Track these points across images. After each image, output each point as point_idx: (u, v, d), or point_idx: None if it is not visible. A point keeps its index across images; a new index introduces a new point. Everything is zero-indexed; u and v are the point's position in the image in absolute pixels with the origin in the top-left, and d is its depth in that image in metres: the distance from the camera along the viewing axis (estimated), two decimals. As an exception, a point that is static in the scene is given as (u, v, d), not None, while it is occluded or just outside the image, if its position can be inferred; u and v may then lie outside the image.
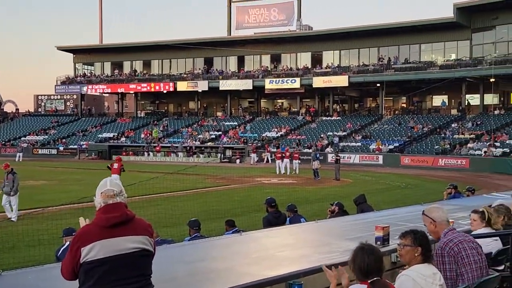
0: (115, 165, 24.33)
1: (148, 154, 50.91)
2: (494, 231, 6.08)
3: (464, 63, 45.81)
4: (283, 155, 35.98)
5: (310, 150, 42.81)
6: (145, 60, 63.51)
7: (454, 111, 49.22)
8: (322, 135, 48.27)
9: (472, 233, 5.96)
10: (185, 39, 58.47)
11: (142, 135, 55.69)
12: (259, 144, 47.47)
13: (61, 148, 55.10)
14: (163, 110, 65.19)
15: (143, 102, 67.18)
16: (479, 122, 44.25)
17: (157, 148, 50.90)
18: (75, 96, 68.19)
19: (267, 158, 44.38)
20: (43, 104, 72.59)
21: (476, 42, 46.93)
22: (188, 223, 9.43)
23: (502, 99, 49.21)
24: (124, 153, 52.06)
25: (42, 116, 67.68)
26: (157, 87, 58.85)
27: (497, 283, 4.84)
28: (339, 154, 34.18)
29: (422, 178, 31.61)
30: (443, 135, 43.80)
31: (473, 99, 48.38)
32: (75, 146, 54.76)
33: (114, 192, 3.67)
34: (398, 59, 49.97)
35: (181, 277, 4.85)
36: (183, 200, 20.29)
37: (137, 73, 62.21)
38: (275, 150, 42.63)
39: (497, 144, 39.17)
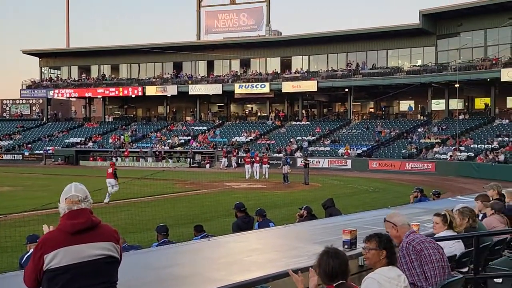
0: (109, 170, 24.33)
1: (116, 159, 50.31)
2: (455, 233, 6.19)
3: (429, 69, 46.60)
4: (253, 159, 36.03)
5: (280, 155, 42.96)
6: (113, 65, 62.84)
7: (420, 116, 50.01)
8: (291, 140, 48.50)
9: (435, 235, 6.06)
10: (154, 43, 58.08)
11: (110, 140, 55.04)
12: (229, 149, 47.46)
13: (27, 154, 54.08)
14: (132, 115, 64.56)
15: (111, 107, 66.36)
16: (444, 127, 45.04)
17: (126, 153, 50.41)
18: (41, 101, 67.01)
19: (232, 162, 44.43)
20: (8, 108, 71.11)
21: (441, 48, 47.83)
22: (156, 229, 9.37)
23: (466, 104, 50.21)
24: (91, 159, 51.46)
25: (7, 120, 66.29)
26: (125, 92, 58.28)
27: (461, 284, 4.94)
28: (308, 159, 34.38)
29: (390, 182, 32.00)
30: (410, 139, 44.45)
31: (439, 104, 49.25)
32: (41, 152, 53.78)
33: (79, 198, 3.62)
34: (366, 64, 50.58)
35: (148, 284, 4.81)
36: (151, 206, 20.13)
37: (105, 78, 61.51)
38: (244, 154, 42.65)
39: (462, 148, 39.94)
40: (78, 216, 3.56)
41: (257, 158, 36.20)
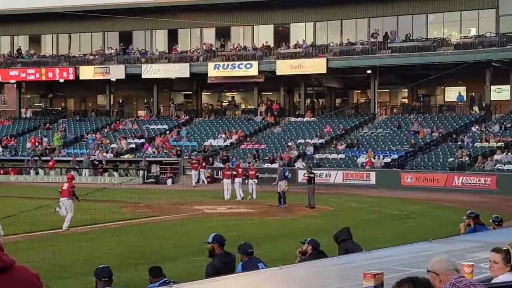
0: (65, 186, 24.47)
1: (37, 172, 49.98)
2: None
3: (488, 42, 46.84)
4: (234, 172, 36.05)
5: (274, 165, 42.94)
6: (33, 35, 62.50)
7: (475, 109, 50.20)
8: (290, 144, 48.50)
9: (493, 280, 6.08)
10: (91, 4, 57.81)
11: (28, 145, 54.75)
12: (199, 156, 47.37)
13: None
14: (59, 108, 64.22)
15: (29, 96, 65.93)
16: (509, 125, 45.33)
17: (50, 164, 50.06)
18: None
19: (201, 176, 44.23)
20: None
21: (505, 12, 48.05)
22: (94, 273, 9.35)
23: (541, 92, 50.48)
24: (2, 171, 51.09)
25: None
26: (50, 74, 57.95)
27: None
28: (314, 171, 34.40)
29: (431, 204, 32.13)
30: (460, 143, 44.68)
31: (501, 92, 49.46)
32: None
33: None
34: (397, 35, 50.71)
35: None
36: (87, 239, 20.06)
37: (20, 54, 61.21)
38: (221, 165, 42.59)
39: (535, 155, 40.19)
40: (-18, 254, 3.56)
41: (240, 170, 36.16)
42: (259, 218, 26.70)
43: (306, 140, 48.81)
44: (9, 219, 21.34)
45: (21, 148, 54.87)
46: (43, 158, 51.69)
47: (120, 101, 61.61)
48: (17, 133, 58.18)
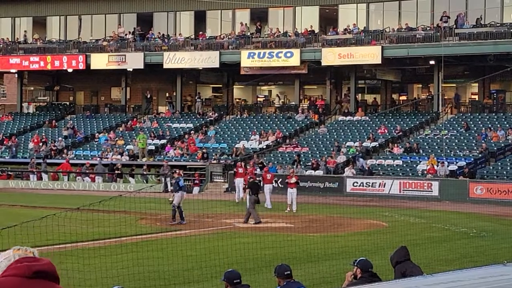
0: (268, 175, 27.16)
1: (40, 177, 50.30)
2: None
3: None
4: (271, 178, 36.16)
5: (318, 172, 42.78)
6: (37, 18, 63.03)
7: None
8: (337, 147, 48.41)
9: None
10: (105, -18, 58.33)
11: (31, 145, 55.20)
12: (250, 162, 47.18)
13: None
14: (67, 102, 64.75)
15: (33, 89, 66.55)
16: None
17: (64, 166, 49.97)
18: None
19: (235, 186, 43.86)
20: None
21: None
22: (107, 295, 9.44)
23: None
24: (3, 176, 51.32)
25: None
26: (56, 63, 58.40)
27: None
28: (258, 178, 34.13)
29: (506, 221, 31.90)
30: (541, 148, 44.39)
31: None
32: None
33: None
34: (466, 19, 50.37)
35: None
36: (99, 255, 20.18)
37: (26, 39, 61.74)
38: (259, 171, 42.50)
39: None
40: (32, 259, 3.92)
41: (268, 176, 36.25)
42: (300, 234, 26.65)
43: (356, 143, 48.68)
44: (7, 231, 21.54)
45: (23, 148, 55.35)
46: (47, 160, 51.92)
47: (149, 96, 61.17)
48: (18, 131, 58.77)
